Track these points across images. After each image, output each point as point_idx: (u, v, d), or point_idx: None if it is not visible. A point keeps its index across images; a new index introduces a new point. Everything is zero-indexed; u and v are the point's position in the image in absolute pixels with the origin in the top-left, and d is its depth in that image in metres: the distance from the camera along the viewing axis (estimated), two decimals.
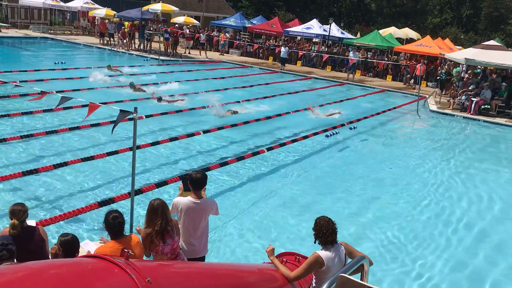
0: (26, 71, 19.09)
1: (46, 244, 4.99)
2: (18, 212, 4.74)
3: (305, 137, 13.89)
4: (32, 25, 35.87)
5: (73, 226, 7.52)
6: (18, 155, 10.12)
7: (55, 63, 22.65)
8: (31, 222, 4.98)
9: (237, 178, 10.35)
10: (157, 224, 4.70)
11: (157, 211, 4.74)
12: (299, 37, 36.56)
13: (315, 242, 4.54)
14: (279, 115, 16.41)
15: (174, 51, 30.53)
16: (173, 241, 4.81)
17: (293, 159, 12.02)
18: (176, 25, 34.46)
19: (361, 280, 4.21)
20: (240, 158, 11.36)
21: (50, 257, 4.82)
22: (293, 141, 13.41)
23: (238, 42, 35.61)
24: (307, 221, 8.00)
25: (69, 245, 4.37)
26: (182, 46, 32.69)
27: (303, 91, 23.03)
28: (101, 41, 32.33)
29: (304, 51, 33.17)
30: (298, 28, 34.88)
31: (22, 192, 8.47)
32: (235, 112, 15.66)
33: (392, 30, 35.87)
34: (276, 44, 34.85)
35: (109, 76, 20.07)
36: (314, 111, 16.95)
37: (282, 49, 29.86)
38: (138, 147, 9.57)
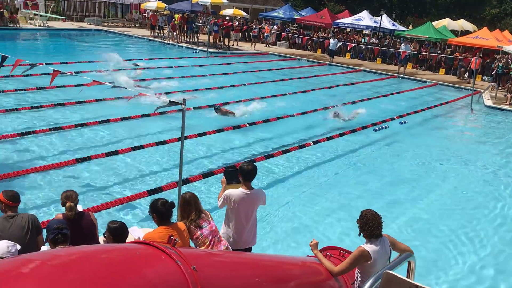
0: (80, 62, 19.80)
1: (96, 229, 5.19)
2: (72, 195, 4.96)
3: (353, 131, 13.68)
4: (87, 17, 37.12)
5: (123, 213, 7.76)
6: (72, 143, 10.53)
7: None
8: (79, 208, 5.18)
9: (281, 171, 10.34)
10: (191, 214, 4.95)
11: (190, 202, 4.99)
12: (348, 29, 35.95)
13: (359, 235, 4.49)
14: (326, 108, 16.22)
15: (223, 43, 30.76)
16: (209, 224, 5.02)
17: (339, 153, 11.87)
18: (227, 17, 34.66)
19: (407, 277, 4.12)
20: (285, 151, 11.34)
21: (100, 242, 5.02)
22: (341, 134, 13.24)
23: (286, 34, 35.41)
24: (350, 216, 7.91)
25: (118, 232, 4.52)
26: (231, 38, 32.89)
27: (352, 83, 22.66)
28: (152, 34, 33.03)
29: (354, 43, 32.59)
30: (348, 20, 34.29)
31: (75, 179, 8.81)
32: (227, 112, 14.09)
33: (446, 22, 34.57)
34: (325, 36, 34.43)
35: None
36: (338, 114, 15.15)
37: (331, 41, 29.46)
38: (186, 138, 9.73)
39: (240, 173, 5.36)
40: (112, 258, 2.38)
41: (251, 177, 5.36)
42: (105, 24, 37.10)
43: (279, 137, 12.67)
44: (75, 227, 4.75)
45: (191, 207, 4.97)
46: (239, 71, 22.48)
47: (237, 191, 5.32)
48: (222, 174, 5.90)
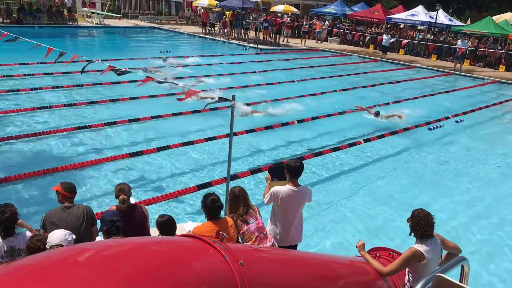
0: (134, 59, 20.36)
1: (147, 221, 5.33)
2: (125, 188, 5.12)
3: (406, 129, 13.33)
4: (141, 15, 38.15)
5: (173, 206, 7.93)
6: (125, 138, 10.86)
7: (161, 51, 23.87)
8: (131, 200, 5.33)
9: (331, 168, 10.23)
10: (239, 209, 4.99)
11: (239, 197, 5.04)
12: (402, 25, 35.01)
13: (410, 234, 4.38)
14: (378, 105, 15.88)
15: (274, 40, 30.73)
16: (256, 220, 5.04)
17: (391, 152, 11.59)
18: (278, 14, 34.61)
19: (460, 282, 3.97)
20: (335, 148, 11.20)
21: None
22: (393, 133, 12.93)
23: (337, 30, 34.93)
24: (400, 216, 7.72)
25: (166, 226, 4.63)
26: (281, 35, 32.80)
27: (405, 80, 22.07)
28: (203, 31, 33.49)
29: (408, 39, 31.70)
30: (402, 15, 33.38)
31: (128, 172, 9.08)
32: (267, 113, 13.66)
33: (508, 16, 32.93)
34: (377, 31, 33.70)
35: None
36: (370, 112, 14.71)
37: (384, 36, 28.81)
38: (235, 134, 9.81)
39: (286, 170, 5.34)
40: (162, 250, 2.44)
41: (298, 174, 5.33)
42: (158, 21, 37.99)
43: (326, 134, 12.54)
44: (128, 219, 4.90)
45: (239, 201, 5.02)
46: (288, 68, 22.41)
47: (284, 188, 5.31)
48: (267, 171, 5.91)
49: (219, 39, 31.20)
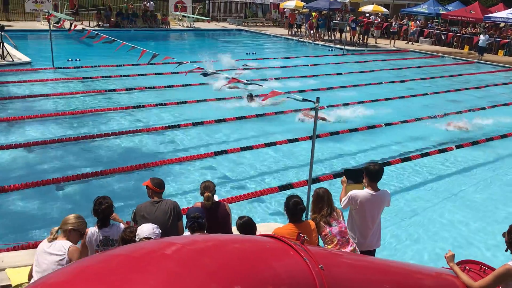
0: (220, 61, 20.89)
1: (230, 219, 5.46)
2: (209, 186, 5.29)
3: (503, 136, 12.44)
4: (229, 18, 39.11)
5: (255, 206, 8.05)
6: (210, 137, 11.20)
7: (247, 53, 24.34)
8: (215, 198, 5.48)
9: (418, 174, 9.82)
10: (323, 210, 4.95)
11: (323, 198, 4.99)
12: (502, 24, 32.68)
13: (506, 251, 4.08)
14: (471, 110, 14.98)
15: (362, 40, 30.10)
16: (339, 224, 4.96)
17: (482, 160, 10.88)
18: (367, 14, 33.84)
19: None
20: (424, 154, 10.74)
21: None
22: (488, 139, 12.13)
23: (429, 30, 33.43)
24: (492, 229, 7.23)
25: (245, 227, 4.71)
26: (370, 36, 31.98)
27: (504, 84, 20.61)
28: (290, 32, 33.61)
29: (508, 39, 29.55)
30: (502, 14, 31.13)
31: (213, 170, 9.36)
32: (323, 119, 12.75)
33: None
34: (474, 31, 31.78)
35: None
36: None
37: (481, 37, 27.10)
38: (318, 136, 9.75)
39: (366, 173, 5.23)
40: (244, 248, 2.49)
41: (378, 178, 5.21)
42: (246, 24, 38.72)
43: (415, 139, 12.04)
44: (211, 216, 5.06)
45: (323, 203, 4.97)
46: (376, 69, 21.83)
47: (363, 192, 5.20)
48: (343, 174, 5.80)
49: (305, 40, 31.13)
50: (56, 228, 4.21)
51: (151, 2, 32.47)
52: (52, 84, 15.16)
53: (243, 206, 7.94)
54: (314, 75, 19.05)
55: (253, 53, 24.25)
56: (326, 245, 4.94)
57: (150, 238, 4.19)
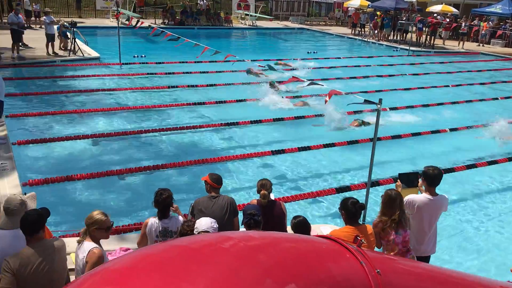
0: (282, 59, 20.90)
1: (285, 218, 5.45)
2: (266, 184, 5.30)
3: None
4: (291, 16, 39.04)
5: (311, 206, 7.99)
6: (268, 136, 11.23)
7: (308, 52, 24.20)
8: (271, 196, 5.48)
9: (483, 182, 9.36)
10: (395, 214, 4.73)
11: (395, 201, 4.76)
12: None
13: None
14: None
15: (427, 41, 29.08)
16: (405, 233, 4.79)
17: None
18: (434, 14, 32.65)
19: None
20: (491, 162, 10.23)
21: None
22: None
23: (502, 31, 31.72)
24: None
25: (300, 227, 4.68)
26: (437, 37, 30.84)
27: None
28: (353, 32, 33.08)
29: None
30: None
31: (270, 169, 9.38)
32: (363, 123, 12.28)
33: None
34: None
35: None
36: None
37: None
38: (379, 139, 9.53)
39: (424, 178, 5.12)
40: (299, 248, 2.47)
41: (437, 182, 5.08)
42: (308, 22, 38.50)
43: (482, 146, 11.48)
44: (267, 214, 5.07)
45: (395, 205, 4.76)
46: (442, 72, 21.01)
47: (421, 197, 5.10)
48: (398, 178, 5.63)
49: (368, 40, 30.52)
50: (84, 229, 4.24)
51: (204, 1, 33.07)
52: (118, 79, 15.79)
53: (299, 206, 7.90)
54: (377, 76, 18.64)
55: (314, 52, 24.08)
56: (385, 251, 4.81)
57: (207, 232, 4.27)
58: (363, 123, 12.17)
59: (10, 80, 13.96)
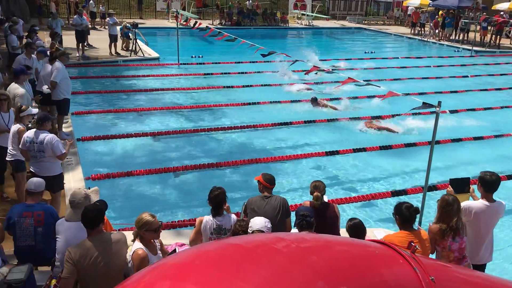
0: (338, 59, 20.69)
1: (338, 220, 5.43)
2: (320, 186, 5.30)
3: None
4: (349, 16, 38.50)
5: (365, 209, 7.89)
6: (322, 136, 11.16)
7: (365, 52, 23.79)
8: (324, 198, 5.46)
9: None
10: (453, 220, 4.59)
11: (453, 206, 4.62)
12: None
13: None
14: None
15: (492, 41, 27.78)
16: (461, 240, 4.65)
17: None
18: (501, 12, 31.15)
19: None
20: None
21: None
22: None
23: None
24: None
25: (355, 230, 4.64)
26: (503, 36, 29.36)
27: None
28: (412, 31, 32.16)
29: None
30: None
31: (323, 170, 9.34)
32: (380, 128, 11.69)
33: None
34: None
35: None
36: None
37: None
38: (438, 142, 9.24)
39: (481, 183, 4.96)
40: (352, 251, 2.48)
41: (495, 188, 4.92)
42: (366, 22, 37.81)
43: None
44: (320, 216, 5.06)
45: (453, 211, 4.61)
46: (509, 73, 20.01)
47: (478, 203, 4.95)
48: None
49: (428, 40, 29.56)
50: (135, 231, 4.35)
51: (250, 1, 33.31)
52: (176, 79, 16.22)
53: (353, 209, 7.82)
54: (436, 77, 18.06)
55: (372, 52, 23.64)
56: (440, 258, 4.69)
57: (262, 231, 4.33)
58: (380, 128, 11.56)
59: (75, 79, 14.67)
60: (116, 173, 8.52)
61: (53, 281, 4.19)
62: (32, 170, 6.48)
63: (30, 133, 6.38)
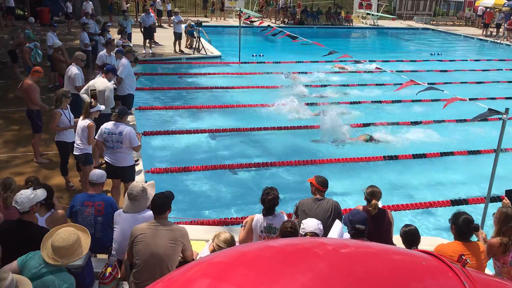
0: (402, 61, 20.11)
1: (392, 227, 5.31)
2: (377, 193, 5.22)
3: None
4: (416, 16, 37.26)
5: (421, 217, 7.65)
6: (382, 139, 10.89)
7: (431, 54, 22.96)
8: (378, 204, 5.35)
9: None
10: None
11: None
12: None
13: None
14: None
15: None
16: None
17: None
18: None
19: None
20: None
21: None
22: None
23: None
24: None
25: (410, 237, 4.52)
26: None
27: None
28: (484, 33, 30.66)
29: None
30: None
31: (379, 175, 9.12)
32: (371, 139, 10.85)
33: None
34: None
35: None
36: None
37: None
38: (503, 150, 8.79)
39: None
40: (396, 260, 2.42)
41: None
42: (434, 22, 36.46)
43: None
44: (375, 223, 4.98)
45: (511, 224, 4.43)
46: None
47: None
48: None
49: (502, 42, 28.05)
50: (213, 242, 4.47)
51: None
52: (237, 77, 16.42)
53: (408, 216, 7.61)
54: (509, 81, 17.11)
55: (438, 54, 22.78)
56: (500, 274, 4.47)
57: (315, 233, 4.31)
58: (371, 139, 10.78)
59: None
60: (174, 168, 8.79)
61: (109, 269, 4.40)
62: (107, 161, 6.82)
63: (109, 125, 6.75)
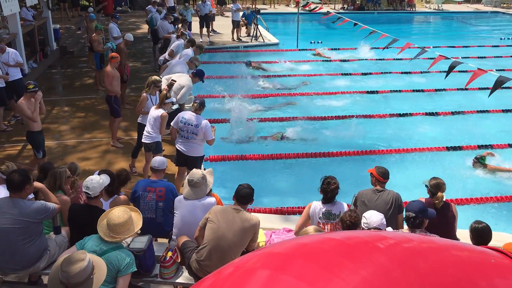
0: (469, 46, 19.14)
1: (455, 221, 5.12)
2: (442, 185, 5.07)
3: None
4: None
5: (486, 212, 7.31)
6: (442, 130, 10.49)
7: (501, 39, 21.71)
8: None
9: None
10: None
11: None
12: None
13: None
14: None
15: None
16: None
17: None
18: None
19: None
20: None
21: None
22: None
23: None
24: None
25: (480, 234, 4.35)
26: None
27: None
28: None
29: None
30: None
31: (441, 165, 8.77)
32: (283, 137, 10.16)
33: None
34: None
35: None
36: None
37: None
38: None
39: None
40: (462, 257, 2.32)
41: None
42: (505, 5, 34.32)
43: None
44: (439, 216, 4.82)
45: None
46: None
47: None
48: None
49: None
50: None
51: None
52: (294, 65, 16.26)
53: (474, 210, 7.29)
54: None
55: (509, 39, 21.48)
56: None
57: (379, 229, 4.21)
58: (283, 137, 10.08)
59: None
60: (231, 156, 8.88)
61: (169, 253, 4.53)
62: (178, 149, 7.00)
63: (186, 115, 6.92)
